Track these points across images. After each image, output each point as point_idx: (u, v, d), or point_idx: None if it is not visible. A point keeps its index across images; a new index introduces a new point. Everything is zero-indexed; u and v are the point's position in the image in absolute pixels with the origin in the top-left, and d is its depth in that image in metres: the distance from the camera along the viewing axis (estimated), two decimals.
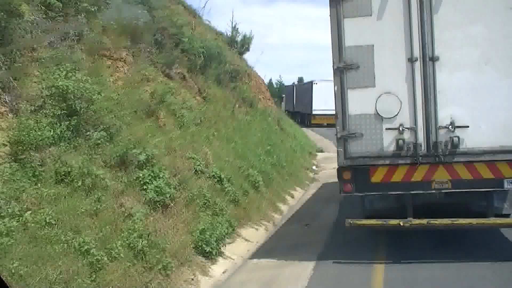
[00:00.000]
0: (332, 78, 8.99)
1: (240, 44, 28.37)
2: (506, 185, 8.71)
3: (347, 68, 8.83)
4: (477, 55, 8.56)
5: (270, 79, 72.16)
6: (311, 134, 37.61)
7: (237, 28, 28.15)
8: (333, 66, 8.92)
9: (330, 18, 8.88)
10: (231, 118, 17.46)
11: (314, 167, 24.86)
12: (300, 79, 76.74)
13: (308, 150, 28.30)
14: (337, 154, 9.07)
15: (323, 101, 39.68)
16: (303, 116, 48.31)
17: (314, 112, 45.10)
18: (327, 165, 23.96)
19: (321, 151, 29.85)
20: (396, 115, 8.77)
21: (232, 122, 17.15)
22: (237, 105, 19.20)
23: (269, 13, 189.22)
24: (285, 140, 24.85)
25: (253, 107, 22.04)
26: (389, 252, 9.65)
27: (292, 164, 21.12)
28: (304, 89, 49.87)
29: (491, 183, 8.74)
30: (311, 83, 46.49)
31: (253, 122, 20.09)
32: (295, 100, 53.43)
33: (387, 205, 9.55)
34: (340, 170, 9.12)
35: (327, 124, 39.77)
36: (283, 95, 59.50)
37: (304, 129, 38.94)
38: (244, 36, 28.84)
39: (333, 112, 9.01)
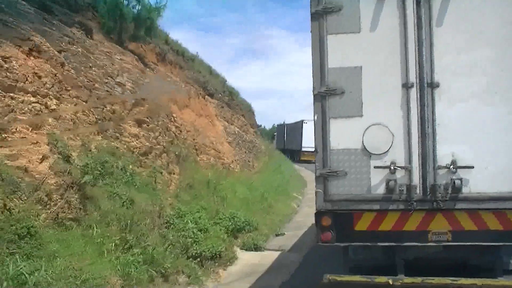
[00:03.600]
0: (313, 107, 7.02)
1: (132, 16, 15.19)
2: None
3: (330, 93, 6.87)
4: (484, 83, 6.61)
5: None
6: (301, 169, 36.70)
7: None
8: (313, 91, 6.96)
9: (312, 34, 6.96)
10: None
11: None
12: None
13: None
14: (316, 196, 7.04)
15: (312, 139, 38.32)
16: (293, 152, 48.75)
17: (303, 149, 45.20)
18: None
19: (279, 233, 15.70)
20: (387, 151, 6.78)
21: None
22: None
23: None
24: None
25: None
26: None
27: None
28: (295, 127, 50.44)
29: (500, 236, 6.70)
30: (301, 122, 47.11)
31: None
32: (285, 138, 53.73)
33: (374, 256, 7.47)
34: (319, 215, 7.06)
35: (314, 160, 38.35)
36: (275, 134, 59.91)
37: (295, 165, 39.66)
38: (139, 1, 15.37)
39: None
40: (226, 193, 15.41)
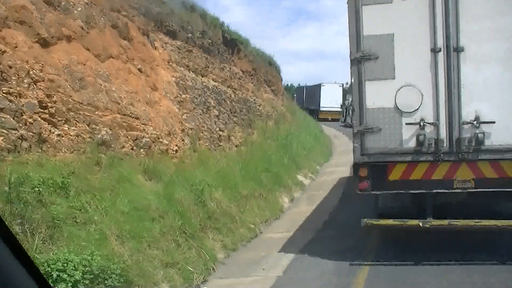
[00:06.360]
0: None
1: None
2: None
3: (365, 58, 7.43)
4: (506, 48, 7.12)
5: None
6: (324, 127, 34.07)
7: None
8: (350, 56, 7.55)
9: (348, 5, 7.51)
10: None
11: None
12: None
13: None
14: (353, 150, 7.68)
15: (328, 100, 45.23)
16: (312, 111, 50.27)
17: (321, 109, 47.03)
18: None
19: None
20: (417, 109, 7.36)
21: None
22: None
23: None
24: None
25: None
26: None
27: None
28: (314, 89, 51.67)
29: None
30: (319, 85, 48.84)
31: None
32: (304, 99, 54.99)
33: (402, 205, 8.16)
34: (356, 167, 7.72)
35: (331, 118, 44.21)
36: (295, 95, 61.31)
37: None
38: None
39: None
40: (73, 206, 6.93)
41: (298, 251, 8.95)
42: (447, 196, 7.74)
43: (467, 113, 7.23)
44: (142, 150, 10.17)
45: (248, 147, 16.18)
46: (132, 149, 9.90)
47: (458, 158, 7.31)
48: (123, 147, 9.64)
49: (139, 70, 11.63)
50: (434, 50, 7.25)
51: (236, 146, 15.84)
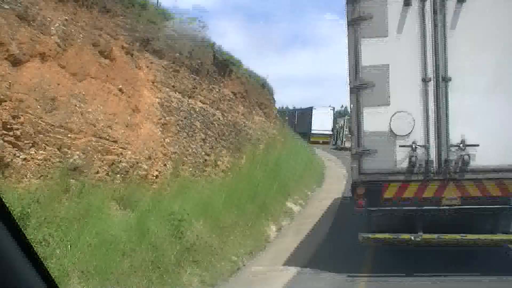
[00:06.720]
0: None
1: None
2: None
3: (363, 87, 8.18)
4: (487, 80, 7.93)
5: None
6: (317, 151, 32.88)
7: None
8: (349, 85, 8.29)
9: (348, 38, 8.29)
10: None
11: None
12: None
13: None
14: (351, 170, 8.43)
15: (319, 124, 45.91)
16: (303, 135, 50.62)
17: (312, 132, 47.46)
18: None
19: None
20: (410, 133, 8.10)
21: None
22: None
23: None
24: None
25: None
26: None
27: None
28: (305, 113, 52.35)
29: (499, 201, 8.08)
30: (311, 109, 49.68)
31: None
32: (296, 122, 55.67)
33: (394, 223, 8.79)
34: (354, 186, 8.46)
35: (322, 141, 44.62)
36: (286, 118, 61.83)
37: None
38: None
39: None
40: (32, 239, 6.04)
41: None
42: (436, 213, 8.41)
43: (454, 137, 7.96)
44: (118, 175, 9.46)
45: (235, 172, 15.23)
46: (107, 174, 9.25)
47: (446, 177, 8.03)
48: (98, 172, 9.01)
49: (120, 90, 10.66)
50: (425, 80, 8.01)
51: (223, 171, 15.02)
